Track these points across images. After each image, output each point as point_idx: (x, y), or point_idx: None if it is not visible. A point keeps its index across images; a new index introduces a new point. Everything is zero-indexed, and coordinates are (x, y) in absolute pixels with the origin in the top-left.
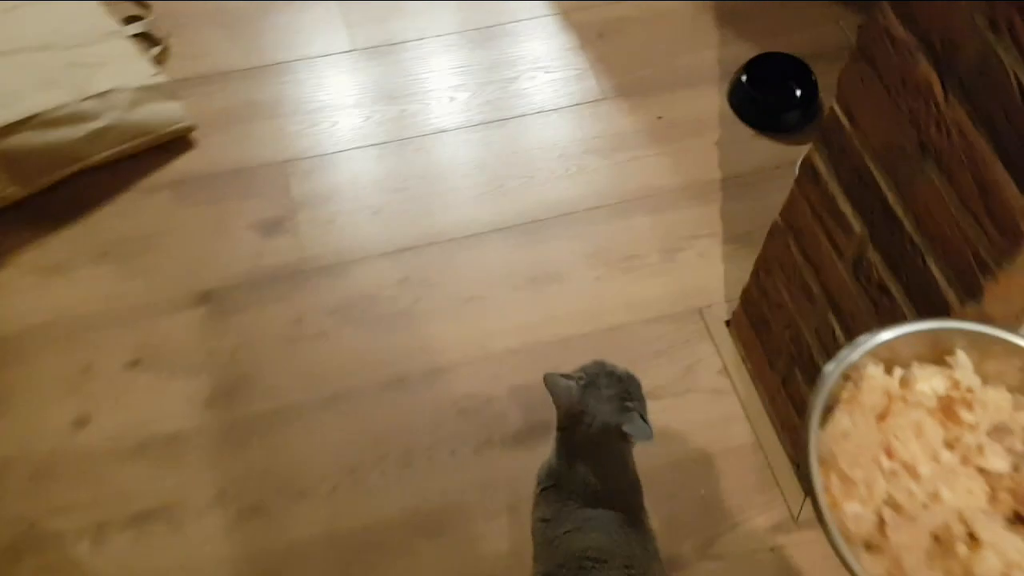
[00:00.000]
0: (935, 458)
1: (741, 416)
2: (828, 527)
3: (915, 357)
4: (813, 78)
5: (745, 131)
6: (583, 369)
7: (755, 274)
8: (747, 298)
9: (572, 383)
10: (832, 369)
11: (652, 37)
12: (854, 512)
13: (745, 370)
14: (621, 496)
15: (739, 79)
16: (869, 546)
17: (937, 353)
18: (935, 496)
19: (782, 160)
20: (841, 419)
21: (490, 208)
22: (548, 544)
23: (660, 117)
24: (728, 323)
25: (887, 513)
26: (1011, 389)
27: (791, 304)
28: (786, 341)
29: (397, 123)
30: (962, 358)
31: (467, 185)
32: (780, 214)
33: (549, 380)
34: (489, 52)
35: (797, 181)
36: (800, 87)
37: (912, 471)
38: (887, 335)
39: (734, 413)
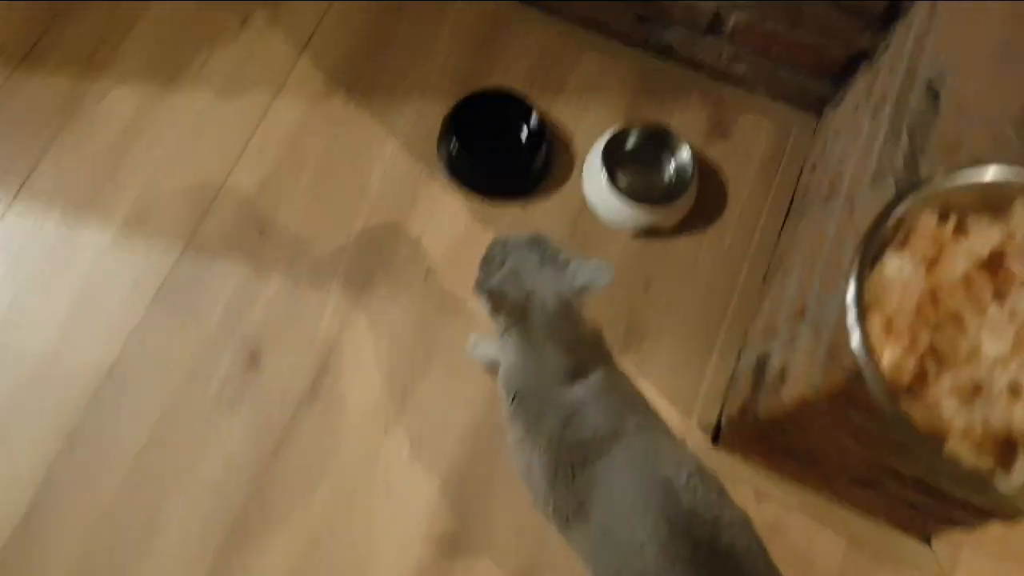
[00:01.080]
0: (982, 311)
1: (819, 527)
2: (865, 367)
3: (971, 207)
4: (523, 102)
5: (511, 211)
6: (490, 257)
7: (770, 422)
8: (748, 431)
9: (499, 275)
10: (885, 214)
11: (320, 165)
12: (894, 360)
13: (782, 481)
14: (593, 356)
15: (457, 154)
16: (908, 392)
17: (994, 205)
18: (979, 348)
19: (571, 213)
20: (891, 262)
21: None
22: (553, 451)
23: (429, 272)
24: (716, 439)
25: (929, 363)
26: None
27: (863, 450)
28: (856, 466)
29: None
30: (1020, 211)
31: None
32: (821, 396)
33: (482, 288)
34: None
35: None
36: (517, 120)
37: (958, 322)
38: (944, 183)
39: (810, 529)
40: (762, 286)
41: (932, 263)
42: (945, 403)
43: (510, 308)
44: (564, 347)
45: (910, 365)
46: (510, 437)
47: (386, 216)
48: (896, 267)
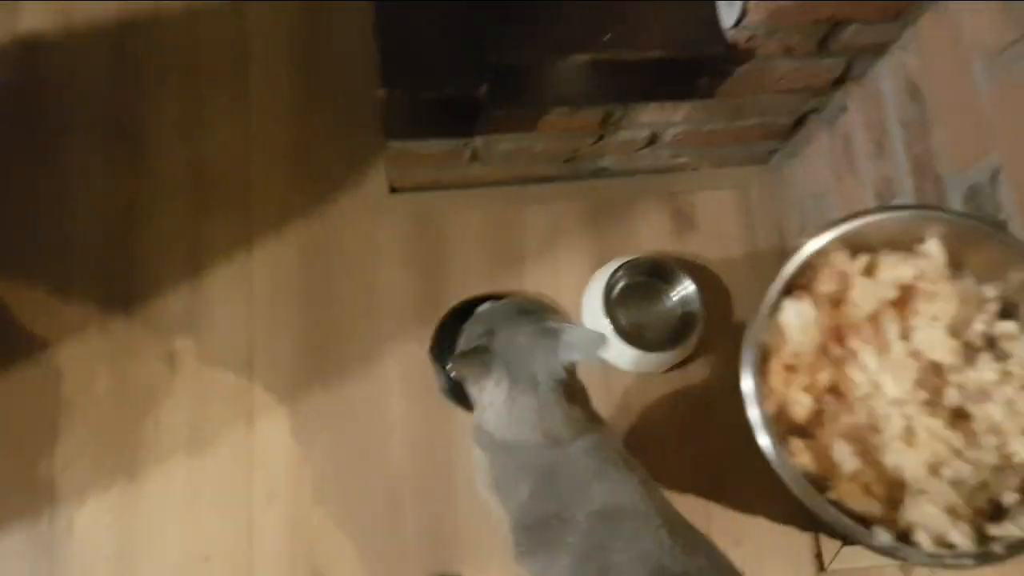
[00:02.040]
0: (886, 348)
1: None
2: (752, 409)
3: (886, 243)
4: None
5: None
6: (475, 324)
7: None
8: None
9: (480, 357)
10: (795, 256)
11: None
12: (797, 399)
13: None
14: (587, 422)
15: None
16: (804, 434)
17: (909, 240)
18: (878, 387)
19: (596, 377)
20: (788, 307)
21: None
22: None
23: None
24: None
25: (828, 401)
26: (982, 280)
27: None
28: None
29: None
30: (933, 247)
31: None
32: None
33: (457, 367)
34: None
35: None
36: None
37: (860, 360)
38: (856, 222)
39: None
40: None
41: (838, 302)
42: (837, 446)
43: (485, 377)
44: (559, 419)
45: (808, 403)
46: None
47: (430, 489)
48: (793, 312)
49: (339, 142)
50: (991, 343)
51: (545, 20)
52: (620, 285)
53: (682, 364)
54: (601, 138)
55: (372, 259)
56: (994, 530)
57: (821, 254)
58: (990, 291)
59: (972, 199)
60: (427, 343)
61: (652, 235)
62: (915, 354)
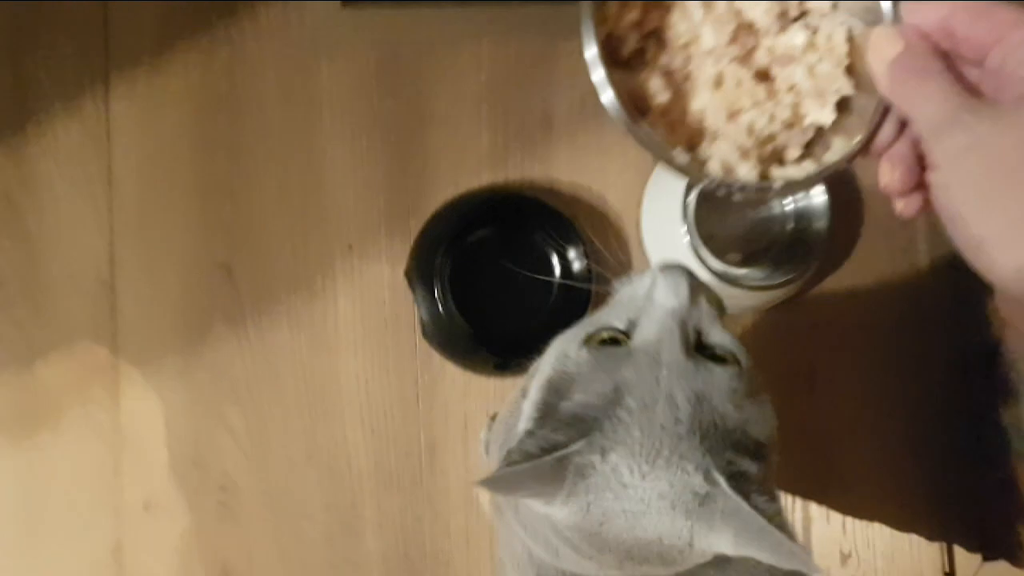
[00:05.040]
0: (712, 6)
1: None
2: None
3: None
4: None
5: None
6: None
7: None
8: None
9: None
10: None
11: None
12: (625, 36)
13: None
14: None
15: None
16: (625, 65)
17: None
18: (697, 38)
19: None
20: None
21: None
22: None
23: None
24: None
25: (651, 44)
26: None
27: None
28: None
29: None
30: None
31: None
32: None
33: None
34: None
35: None
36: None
37: (687, 11)
38: None
39: None
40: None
41: None
42: (652, 81)
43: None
44: None
45: (633, 41)
46: None
47: (405, 487)
48: None
49: None
50: (804, 16)
51: None
52: (690, 197)
53: (785, 302)
54: None
55: (315, 117)
56: (776, 172)
57: None
58: None
59: None
60: (402, 263)
61: None
62: (736, 13)
